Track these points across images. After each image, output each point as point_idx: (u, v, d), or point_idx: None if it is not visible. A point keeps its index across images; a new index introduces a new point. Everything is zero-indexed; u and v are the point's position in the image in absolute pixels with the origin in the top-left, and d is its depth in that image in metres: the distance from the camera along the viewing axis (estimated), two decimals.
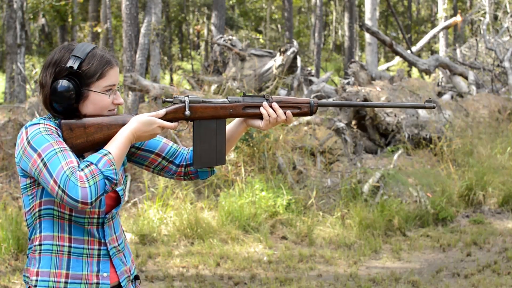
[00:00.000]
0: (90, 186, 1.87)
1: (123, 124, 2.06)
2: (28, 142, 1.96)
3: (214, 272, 5.45)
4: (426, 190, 7.27)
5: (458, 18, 16.03)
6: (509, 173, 7.89)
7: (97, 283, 2.07)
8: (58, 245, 2.05)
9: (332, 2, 31.56)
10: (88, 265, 2.07)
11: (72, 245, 2.06)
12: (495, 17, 17.91)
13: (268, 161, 7.35)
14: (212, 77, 10.92)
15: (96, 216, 2.08)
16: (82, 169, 1.90)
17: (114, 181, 1.93)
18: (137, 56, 10.10)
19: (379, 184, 7.21)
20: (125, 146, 2.02)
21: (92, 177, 1.88)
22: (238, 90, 9.66)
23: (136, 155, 2.27)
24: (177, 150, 2.29)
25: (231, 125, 2.27)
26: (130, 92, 9.46)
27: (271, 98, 2.16)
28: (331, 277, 5.41)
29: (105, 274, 2.09)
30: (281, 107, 2.15)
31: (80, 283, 2.04)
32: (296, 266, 5.63)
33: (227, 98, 2.16)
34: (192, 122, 2.16)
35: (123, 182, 2.20)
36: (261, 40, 24.07)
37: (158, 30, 10.79)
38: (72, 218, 2.04)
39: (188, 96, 2.13)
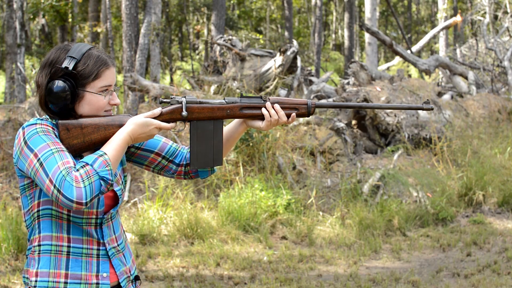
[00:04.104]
0: (85, 187, 1.87)
1: (120, 125, 2.05)
2: (25, 142, 1.96)
3: (214, 272, 5.45)
4: (426, 190, 7.27)
5: (458, 18, 16.02)
6: (509, 173, 7.89)
7: (97, 283, 2.06)
8: (57, 245, 2.04)
9: (332, 2, 31.55)
10: (87, 265, 2.06)
11: (71, 244, 2.05)
12: (495, 17, 17.91)
13: (268, 161, 7.34)
14: (212, 77, 10.92)
15: (94, 216, 2.07)
16: (77, 170, 1.89)
17: (110, 181, 1.92)
18: (137, 56, 10.10)
19: (379, 182, 7.21)
20: (122, 148, 2.01)
21: (88, 178, 1.88)
22: (238, 90, 9.65)
23: (136, 155, 2.26)
24: (177, 149, 2.29)
25: (231, 125, 2.27)
26: (130, 92, 9.46)
27: (269, 98, 2.16)
28: (331, 277, 5.41)
29: (104, 275, 2.08)
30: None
31: (80, 283, 2.04)
32: (296, 266, 5.63)
33: (224, 99, 2.16)
34: (189, 123, 2.16)
35: (122, 182, 2.19)
36: (261, 41, 24.07)
37: (158, 30, 10.79)
38: (71, 218, 2.04)
39: (185, 97, 2.12)
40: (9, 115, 8.29)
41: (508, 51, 13.01)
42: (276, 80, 10.00)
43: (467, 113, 10.29)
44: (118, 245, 2.16)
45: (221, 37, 11.59)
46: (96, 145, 2.05)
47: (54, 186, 1.87)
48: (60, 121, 2.02)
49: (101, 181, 1.90)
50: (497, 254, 5.97)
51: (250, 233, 6.32)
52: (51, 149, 1.93)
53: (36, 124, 2.00)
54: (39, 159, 1.91)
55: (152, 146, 2.25)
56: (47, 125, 2.01)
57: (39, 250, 2.05)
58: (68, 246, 2.05)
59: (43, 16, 17.76)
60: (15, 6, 12.65)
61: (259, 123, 2.17)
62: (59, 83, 2.00)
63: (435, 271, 5.53)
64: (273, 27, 29.78)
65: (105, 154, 1.95)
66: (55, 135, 2.00)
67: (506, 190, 7.43)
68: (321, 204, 7.05)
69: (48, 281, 2.02)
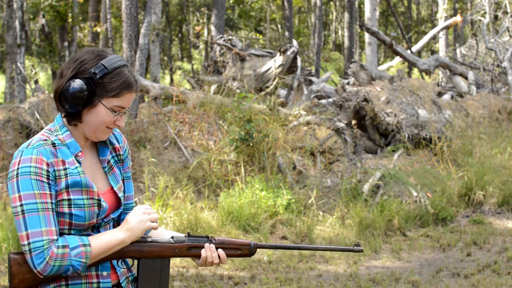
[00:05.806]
0: (54, 266, 1.93)
1: None
2: (17, 175, 1.96)
3: (214, 272, 5.45)
4: (426, 190, 7.27)
5: (458, 18, 16.03)
6: (509, 173, 7.89)
7: (98, 282, 2.08)
8: None
9: (332, 2, 31.55)
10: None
11: None
12: (495, 17, 17.92)
13: (268, 161, 7.34)
14: (212, 77, 10.92)
15: (94, 224, 2.09)
16: (57, 246, 1.93)
17: (78, 271, 1.97)
18: (137, 56, 10.10)
19: (380, 182, 7.21)
20: (113, 247, 2.03)
21: (61, 260, 1.93)
22: (238, 90, 9.66)
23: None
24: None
25: None
26: None
27: (214, 239, 2.22)
28: (331, 277, 5.41)
29: (105, 273, 2.09)
30: (223, 248, 2.21)
31: (81, 283, 2.05)
32: (296, 266, 5.63)
33: (172, 237, 2.19)
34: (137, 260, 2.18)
35: (124, 188, 2.22)
36: (261, 41, 24.07)
37: (158, 30, 10.79)
38: (72, 231, 2.05)
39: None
40: (9, 115, 8.29)
41: (508, 51, 13.01)
42: (276, 80, 10.00)
43: (467, 113, 10.29)
44: None
45: (221, 37, 11.59)
46: None
47: (29, 245, 1.92)
48: None
49: (71, 267, 1.95)
50: (497, 254, 5.97)
51: (250, 233, 6.32)
52: (36, 203, 1.94)
53: (31, 157, 1.97)
54: (22, 205, 1.94)
55: (128, 189, 2.26)
56: (42, 160, 1.97)
57: None
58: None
59: (43, 16, 17.74)
60: (15, 6, 12.65)
61: (196, 259, 2.22)
62: (80, 83, 2.00)
63: (435, 271, 5.53)
64: (273, 27, 29.78)
65: (89, 245, 1.98)
66: (48, 175, 1.97)
67: (506, 190, 7.43)
68: (321, 204, 7.05)
69: (50, 287, 2.04)
